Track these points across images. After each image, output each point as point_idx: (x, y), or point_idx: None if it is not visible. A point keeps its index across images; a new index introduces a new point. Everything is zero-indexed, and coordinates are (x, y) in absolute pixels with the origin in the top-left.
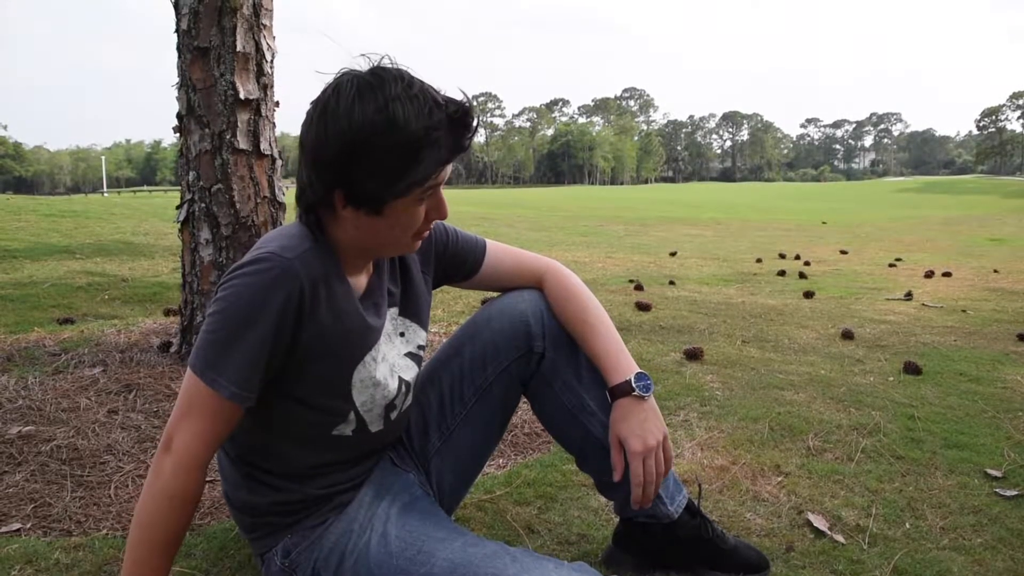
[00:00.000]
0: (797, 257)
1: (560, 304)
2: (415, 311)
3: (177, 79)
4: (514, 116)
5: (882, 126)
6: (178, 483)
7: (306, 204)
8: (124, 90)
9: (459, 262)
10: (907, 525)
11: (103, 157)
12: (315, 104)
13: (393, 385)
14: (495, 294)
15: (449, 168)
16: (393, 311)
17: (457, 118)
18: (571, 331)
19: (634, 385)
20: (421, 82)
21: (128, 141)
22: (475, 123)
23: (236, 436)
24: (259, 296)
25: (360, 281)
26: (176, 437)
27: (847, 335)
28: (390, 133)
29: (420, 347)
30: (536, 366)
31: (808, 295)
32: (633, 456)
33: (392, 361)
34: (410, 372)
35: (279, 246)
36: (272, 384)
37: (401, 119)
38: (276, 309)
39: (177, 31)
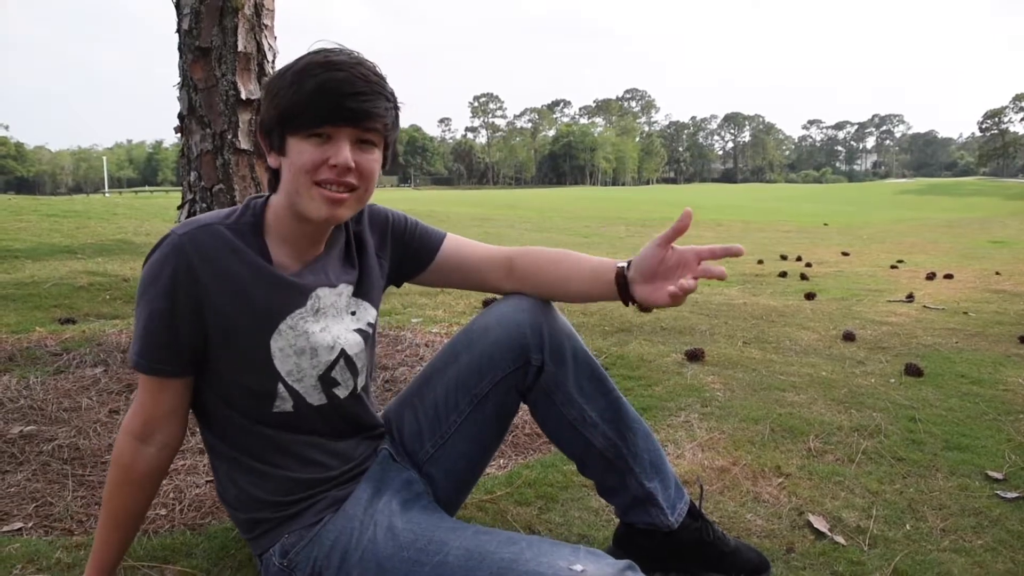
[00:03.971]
0: (799, 258)
1: (535, 261)
2: (367, 291)
3: (178, 79)
4: (515, 117)
5: (884, 128)
6: (115, 447)
7: (269, 176)
8: (125, 91)
9: (417, 248)
10: (908, 527)
11: (104, 157)
12: None
13: (328, 356)
14: (497, 297)
15: (347, 132)
16: (349, 289)
17: (347, 72)
18: (557, 275)
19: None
20: (355, 55)
21: (130, 141)
22: (363, 88)
23: (210, 423)
24: (152, 273)
25: (296, 258)
26: None
27: (848, 337)
28: (285, 71)
29: (370, 324)
30: (535, 378)
31: (809, 296)
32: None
33: (336, 333)
34: (355, 347)
35: (181, 224)
36: (204, 363)
37: (299, 62)
38: (165, 281)
39: (178, 31)
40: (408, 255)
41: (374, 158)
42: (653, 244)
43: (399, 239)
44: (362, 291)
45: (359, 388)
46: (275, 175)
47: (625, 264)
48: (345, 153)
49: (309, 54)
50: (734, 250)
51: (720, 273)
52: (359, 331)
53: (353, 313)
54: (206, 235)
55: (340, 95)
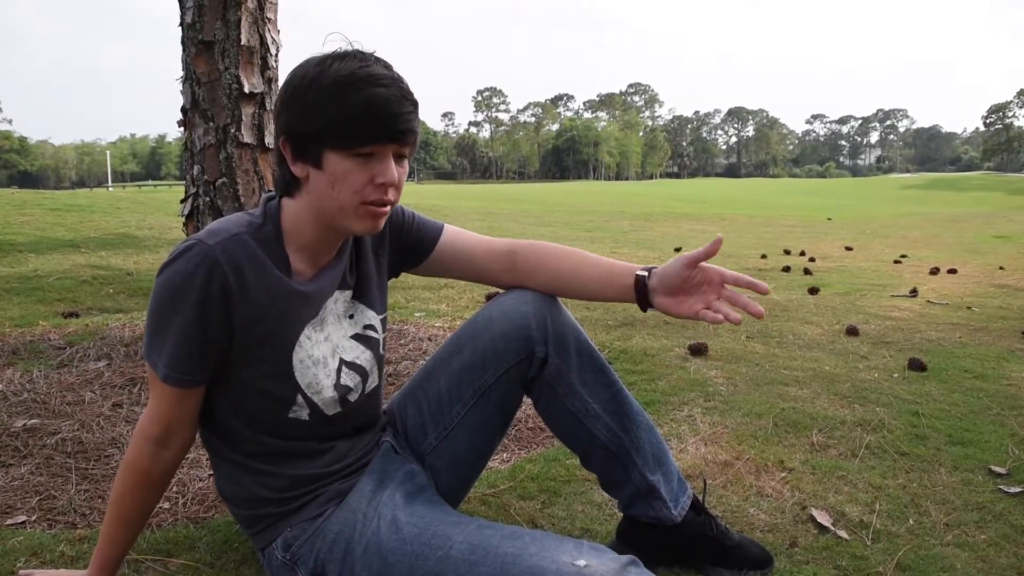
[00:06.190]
0: (802, 253)
1: (542, 254)
2: (364, 293)
3: (182, 73)
4: (519, 111)
5: (888, 122)
6: (130, 452)
7: (279, 178)
8: (129, 85)
9: (416, 241)
10: (911, 521)
11: (108, 152)
12: None
13: (333, 364)
14: (500, 290)
15: (391, 149)
16: (347, 294)
17: (391, 89)
18: (564, 271)
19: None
20: (383, 62)
21: (133, 136)
22: (409, 107)
23: (215, 426)
24: (182, 283)
25: (312, 264)
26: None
27: (852, 331)
28: (319, 78)
29: (367, 327)
30: (539, 370)
31: (813, 291)
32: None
33: (336, 342)
34: (352, 353)
35: (207, 232)
36: (222, 370)
37: (333, 69)
38: (197, 293)
39: (182, 25)
40: (406, 247)
41: (405, 170)
42: (680, 263)
43: (396, 233)
44: (359, 294)
45: (368, 390)
46: (293, 179)
47: (645, 272)
48: (393, 171)
49: (335, 58)
50: (759, 287)
51: (758, 312)
52: (356, 336)
53: (351, 317)
54: (236, 246)
55: (389, 114)
